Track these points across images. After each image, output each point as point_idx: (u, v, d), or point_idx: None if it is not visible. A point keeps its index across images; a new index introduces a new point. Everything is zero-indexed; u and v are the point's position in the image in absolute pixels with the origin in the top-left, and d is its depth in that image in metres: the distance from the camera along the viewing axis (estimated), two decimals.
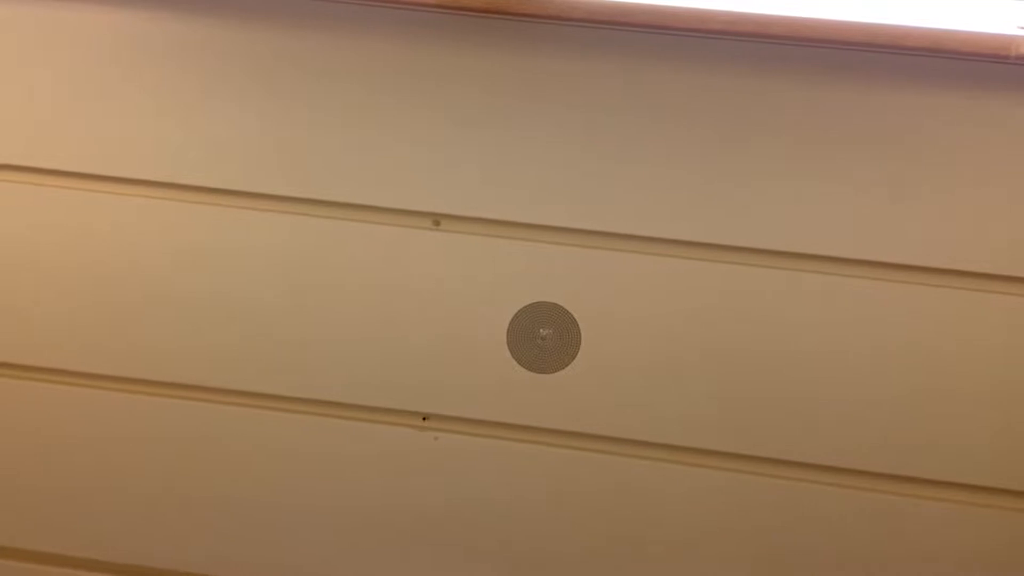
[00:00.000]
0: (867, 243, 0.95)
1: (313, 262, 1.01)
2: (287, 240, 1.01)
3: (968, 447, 0.97)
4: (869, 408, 0.98)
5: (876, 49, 0.87)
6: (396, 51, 0.95)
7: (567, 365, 1.01)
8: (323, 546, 1.08)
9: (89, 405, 1.07)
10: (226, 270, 1.02)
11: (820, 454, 1.00)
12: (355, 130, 0.97)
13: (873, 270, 0.95)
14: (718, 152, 0.94)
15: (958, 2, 0.93)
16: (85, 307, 1.04)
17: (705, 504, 1.02)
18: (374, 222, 0.99)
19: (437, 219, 0.99)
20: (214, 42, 0.96)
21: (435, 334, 1.01)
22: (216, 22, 0.96)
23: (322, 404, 1.05)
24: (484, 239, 0.99)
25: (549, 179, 0.97)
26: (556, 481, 1.04)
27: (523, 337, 1.00)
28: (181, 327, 1.04)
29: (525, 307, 1.00)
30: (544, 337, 1.00)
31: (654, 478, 1.02)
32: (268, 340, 1.03)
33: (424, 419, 1.04)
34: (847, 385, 0.98)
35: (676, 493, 1.02)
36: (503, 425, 1.03)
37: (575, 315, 0.99)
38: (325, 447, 1.05)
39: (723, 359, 0.99)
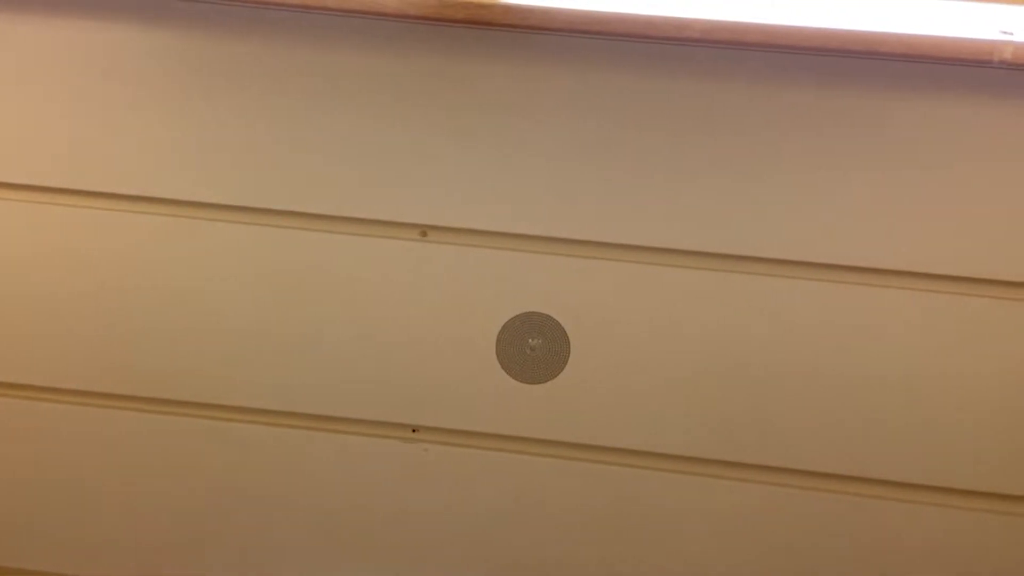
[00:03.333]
0: (853, 249, 0.94)
1: (300, 275, 1.01)
2: (274, 253, 1.01)
3: (970, 452, 0.97)
4: (863, 414, 0.98)
5: (855, 55, 0.87)
6: (380, 63, 0.95)
7: (557, 375, 1.01)
8: (314, 559, 1.08)
9: (83, 422, 1.07)
10: (213, 284, 1.02)
11: (813, 460, 0.99)
12: (341, 142, 0.97)
13: (861, 276, 0.95)
14: (704, 160, 0.94)
15: (940, 7, 0.93)
16: (72, 324, 1.04)
17: (697, 512, 1.02)
18: (361, 234, 1.00)
19: (424, 230, 0.99)
20: (200, 56, 0.97)
21: (424, 346, 1.01)
22: (202, 36, 0.96)
23: (312, 418, 1.05)
24: (471, 249, 0.99)
25: (535, 189, 0.97)
26: (547, 491, 1.04)
27: (512, 348, 1.01)
28: (170, 342, 1.04)
29: (513, 318, 1.00)
30: (533, 347, 1.00)
31: (646, 487, 1.02)
32: (256, 354, 1.03)
33: (414, 431, 1.04)
34: (842, 391, 0.97)
35: (668, 501, 1.02)
36: (493, 436, 1.03)
37: (563, 325, 0.99)
38: (315, 460, 1.06)
39: (713, 366, 0.98)
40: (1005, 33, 0.86)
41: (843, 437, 0.98)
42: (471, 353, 1.01)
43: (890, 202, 0.93)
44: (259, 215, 1.00)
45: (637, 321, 0.98)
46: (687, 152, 0.94)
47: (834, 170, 0.93)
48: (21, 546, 1.12)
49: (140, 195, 1.01)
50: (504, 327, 1.00)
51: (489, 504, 1.05)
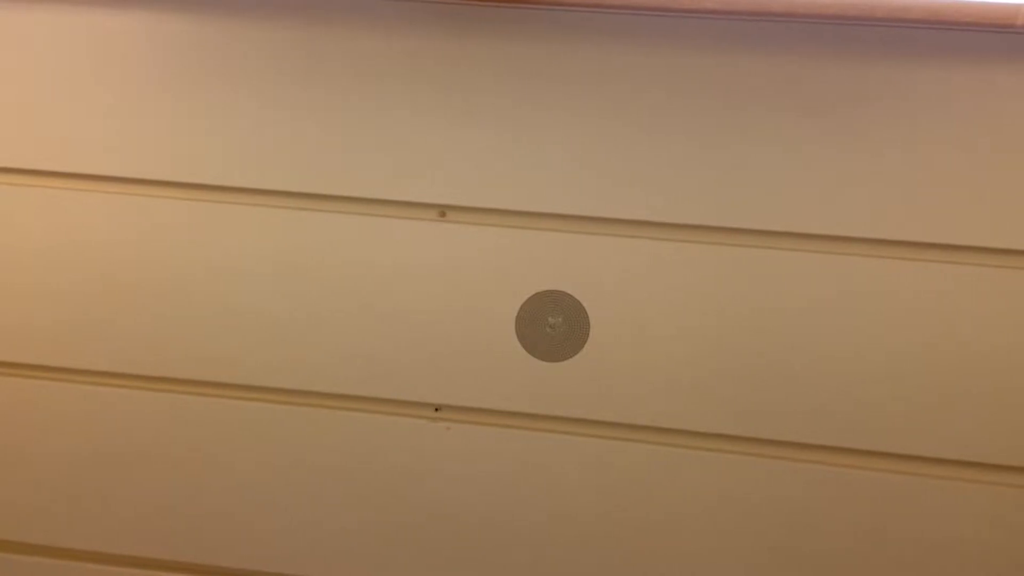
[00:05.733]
0: (875, 221, 0.94)
1: (320, 257, 1.02)
2: (294, 235, 1.01)
3: (984, 426, 0.96)
4: (883, 389, 0.97)
5: (876, 23, 0.86)
6: (397, 43, 0.95)
7: (577, 353, 1.01)
8: (336, 539, 1.09)
9: (102, 402, 1.08)
10: (233, 266, 1.03)
11: (834, 436, 0.99)
12: (358, 124, 0.98)
13: (883, 248, 0.94)
14: (723, 135, 0.93)
15: None
16: (91, 306, 1.05)
17: (718, 488, 1.02)
18: (380, 215, 1.00)
19: (443, 210, 1.00)
20: (215, 39, 0.97)
21: (444, 325, 1.02)
22: (215, 19, 0.97)
23: (333, 397, 1.05)
24: (489, 229, 0.99)
25: (552, 167, 0.97)
26: (568, 469, 1.04)
27: (532, 326, 1.01)
28: (191, 323, 1.05)
29: (533, 296, 1.00)
30: (553, 325, 1.00)
31: (666, 463, 1.02)
32: (276, 335, 1.04)
33: (436, 410, 1.05)
34: (861, 366, 0.97)
35: (689, 478, 1.02)
36: (515, 414, 1.04)
37: (583, 302, 0.99)
38: (337, 440, 1.06)
39: (732, 342, 0.98)
40: None
41: (867, 412, 0.98)
42: (491, 332, 1.01)
43: (913, 173, 0.92)
44: (277, 197, 1.01)
45: (657, 297, 0.98)
46: (706, 128, 0.93)
47: (856, 141, 0.92)
48: (65, 524, 1.13)
49: (163, 180, 1.02)
50: (524, 306, 1.00)
51: (511, 482, 1.05)
